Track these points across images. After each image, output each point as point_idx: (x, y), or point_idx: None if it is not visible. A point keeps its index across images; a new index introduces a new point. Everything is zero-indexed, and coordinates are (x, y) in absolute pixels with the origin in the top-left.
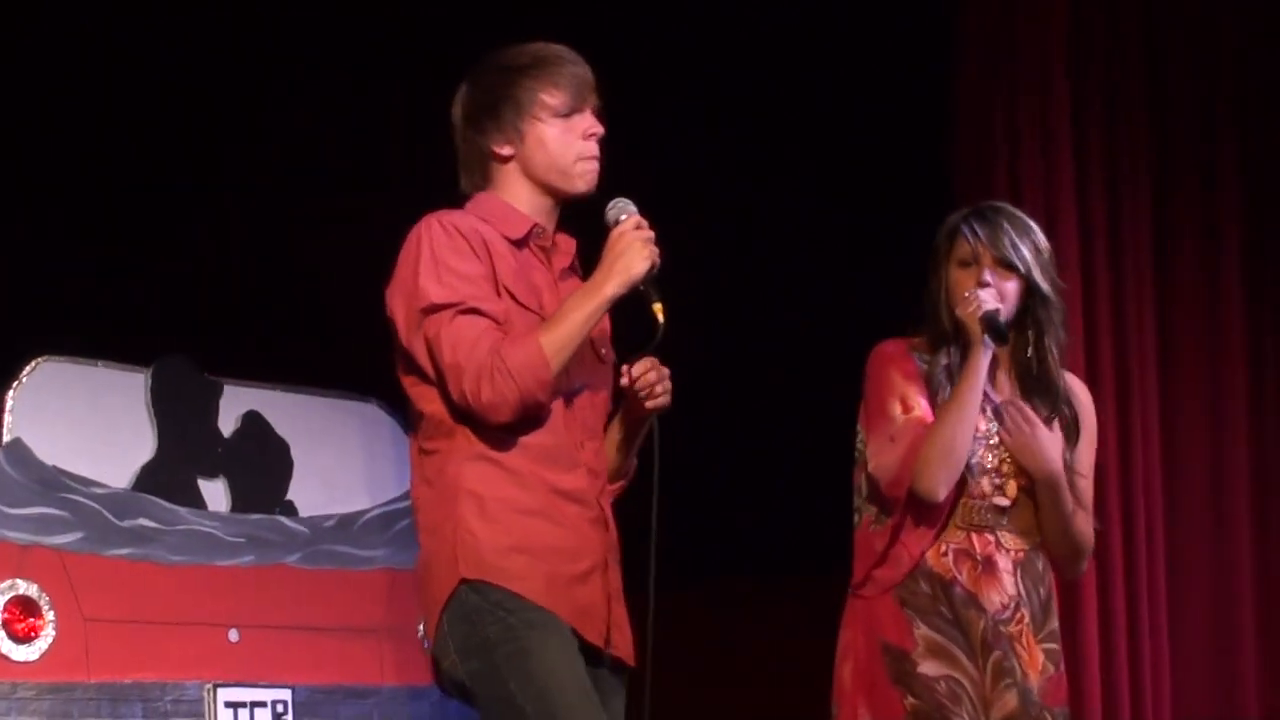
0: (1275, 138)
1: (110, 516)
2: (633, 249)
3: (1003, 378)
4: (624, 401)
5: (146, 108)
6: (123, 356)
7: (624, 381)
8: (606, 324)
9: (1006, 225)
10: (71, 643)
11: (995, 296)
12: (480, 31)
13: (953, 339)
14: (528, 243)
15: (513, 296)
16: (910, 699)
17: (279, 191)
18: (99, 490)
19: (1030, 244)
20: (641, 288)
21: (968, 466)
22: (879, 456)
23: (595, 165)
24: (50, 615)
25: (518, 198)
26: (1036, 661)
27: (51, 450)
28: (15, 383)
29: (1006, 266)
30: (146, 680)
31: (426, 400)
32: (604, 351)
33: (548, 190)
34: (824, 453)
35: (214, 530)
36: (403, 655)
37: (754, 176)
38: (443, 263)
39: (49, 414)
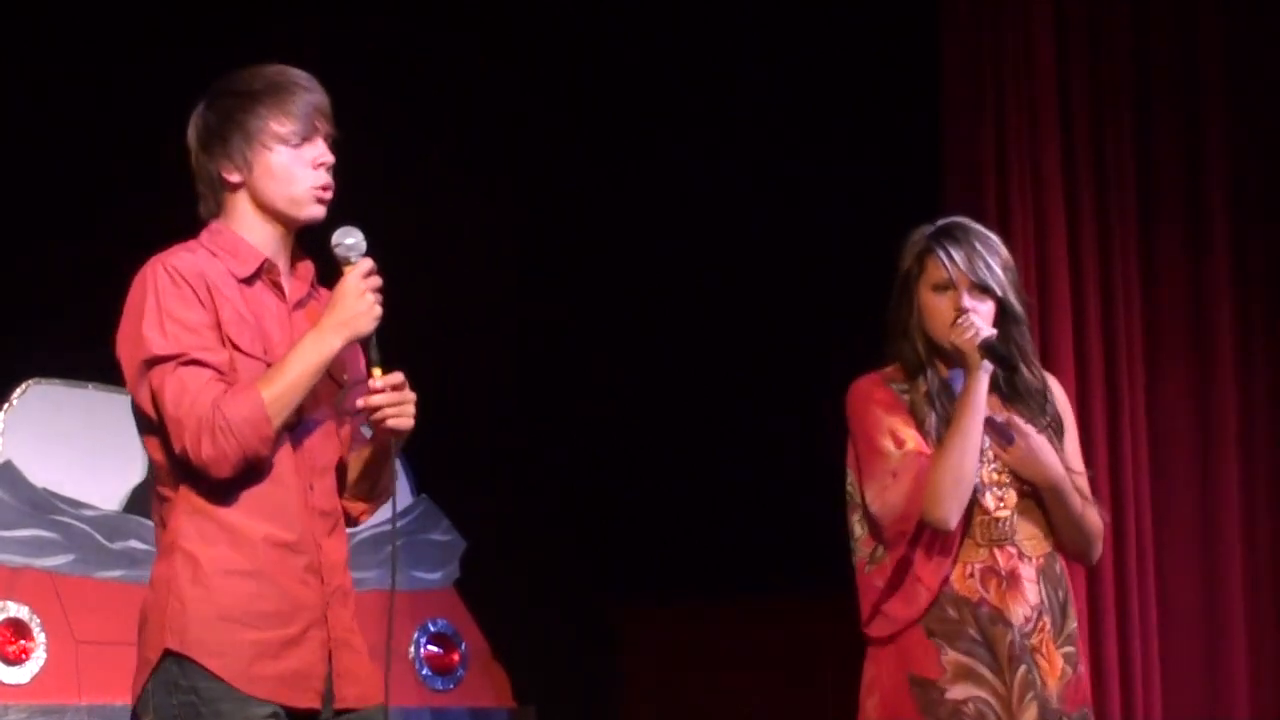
0: (1261, 128)
1: (101, 539)
2: (361, 304)
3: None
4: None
5: (142, 127)
6: (114, 378)
7: (359, 404)
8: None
9: (979, 247)
10: (63, 665)
11: (985, 322)
12: (479, 33)
13: (927, 363)
14: (257, 279)
15: (235, 346)
16: None
17: None
18: (90, 512)
19: (1000, 263)
20: (363, 346)
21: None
22: (883, 495)
23: (326, 194)
24: (41, 637)
25: (249, 227)
26: (1056, 668)
27: (42, 472)
28: (6, 404)
29: (983, 290)
30: None
31: (154, 448)
32: (346, 378)
33: (278, 218)
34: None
35: None
36: (393, 676)
37: (745, 190)
38: (166, 312)
39: (40, 436)
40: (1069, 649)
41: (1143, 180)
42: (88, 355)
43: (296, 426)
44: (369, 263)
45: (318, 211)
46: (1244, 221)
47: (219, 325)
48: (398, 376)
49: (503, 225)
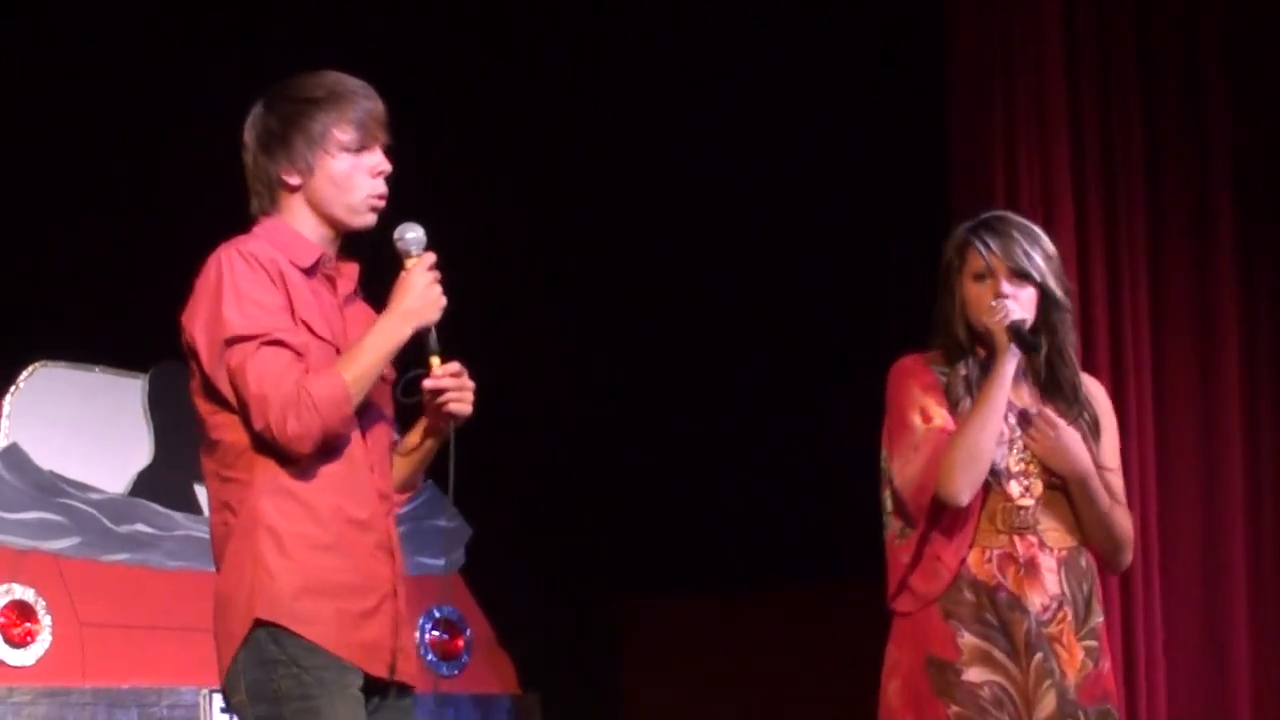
0: (1263, 125)
1: (107, 522)
2: (431, 294)
3: (1022, 383)
4: (425, 412)
5: (143, 109)
6: (120, 361)
7: (427, 385)
8: None
9: (1017, 235)
10: (68, 648)
11: (1019, 306)
12: (479, 33)
13: (970, 351)
14: (316, 271)
15: (309, 328)
16: (954, 708)
17: None
18: (95, 495)
19: (1040, 251)
20: (425, 336)
21: (995, 471)
22: (904, 469)
23: (380, 203)
24: (46, 620)
25: (303, 225)
26: (1076, 660)
27: (48, 455)
28: (12, 387)
29: (1022, 276)
30: (143, 686)
31: (226, 429)
32: (385, 372)
33: (331, 222)
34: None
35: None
36: None
37: (745, 190)
38: (244, 294)
39: (46, 419)
40: (1091, 643)
41: (1150, 178)
42: (93, 337)
43: (360, 416)
44: (432, 256)
45: (370, 220)
46: (1249, 220)
47: (292, 309)
48: (456, 365)
49: (503, 224)
